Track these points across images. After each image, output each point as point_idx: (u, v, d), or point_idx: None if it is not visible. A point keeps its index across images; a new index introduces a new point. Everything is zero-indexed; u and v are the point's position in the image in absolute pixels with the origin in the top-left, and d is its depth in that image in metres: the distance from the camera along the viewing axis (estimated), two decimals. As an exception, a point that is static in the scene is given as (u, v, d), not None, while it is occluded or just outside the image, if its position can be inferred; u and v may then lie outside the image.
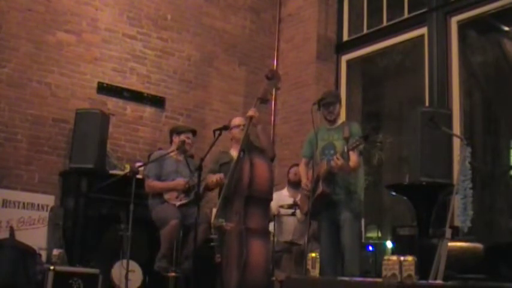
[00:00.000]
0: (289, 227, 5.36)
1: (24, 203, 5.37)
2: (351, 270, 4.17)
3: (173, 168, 5.05)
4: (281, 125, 7.07)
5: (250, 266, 3.99)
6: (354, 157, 4.18)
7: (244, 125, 4.62)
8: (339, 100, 4.57)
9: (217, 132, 4.49)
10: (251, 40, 7.31)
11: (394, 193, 5.18)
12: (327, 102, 4.44)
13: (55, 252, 4.94)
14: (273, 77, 4.53)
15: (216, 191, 4.79)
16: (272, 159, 4.58)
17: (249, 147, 4.33)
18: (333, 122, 4.50)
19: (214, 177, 4.50)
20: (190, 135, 5.23)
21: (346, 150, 4.07)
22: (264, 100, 4.54)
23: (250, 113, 4.44)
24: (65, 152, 5.74)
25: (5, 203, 5.28)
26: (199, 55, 6.86)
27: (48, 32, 5.85)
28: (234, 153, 4.51)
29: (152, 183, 4.96)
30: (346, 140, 4.11)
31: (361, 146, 4.12)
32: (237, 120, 4.76)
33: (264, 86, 4.59)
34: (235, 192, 4.21)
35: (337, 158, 4.07)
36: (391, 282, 2.67)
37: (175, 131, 5.27)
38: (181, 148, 5.08)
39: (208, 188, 4.75)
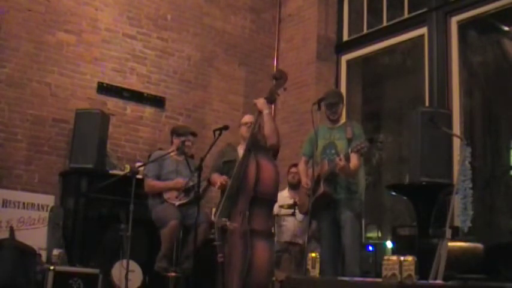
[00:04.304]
0: (289, 227, 5.36)
1: (24, 203, 5.38)
2: (351, 270, 4.16)
3: (173, 168, 5.05)
4: (281, 125, 7.02)
5: (254, 267, 3.94)
6: (354, 159, 4.16)
7: (252, 123, 4.53)
8: (342, 100, 4.56)
9: (217, 132, 4.48)
10: (251, 40, 7.31)
11: (394, 193, 5.18)
12: (330, 103, 4.43)
13: (55, 252, 4.96)
14: (280, 77, 4.49)
15: (217, 190, 4.75)
16: (277, 149, 4.45)
17: (255, 146, 4.25)
18: (335, 121, 4.50)
19: (218, 181, 4.38)
20: (190, 137, 5.23)
21: (350, 151, 4.06)
22: (271, 100, 4.52)
23: (261, 106, 4.37)
24: (65, 152, 5.74)
25: (5, 203, 5.28)
26: (199, 55, 6.86)
27: (48, 32, 5.85)
28: (241, 151, 4.40)
29: (152, 183, 4.97)
30: (350, 141, 4.10)
31: (365, 149, 4.10)
32: (246, 118, 4.64)
33: (271, 86, 4.55)
34: (240, 192, 4.14)
35: (340, 160, 4.07)
36: (391, 282, 2.67)
37: (175, 133, 5.27)
38: (181, 149, 5.10)
39: (211, 185, 4.70)
